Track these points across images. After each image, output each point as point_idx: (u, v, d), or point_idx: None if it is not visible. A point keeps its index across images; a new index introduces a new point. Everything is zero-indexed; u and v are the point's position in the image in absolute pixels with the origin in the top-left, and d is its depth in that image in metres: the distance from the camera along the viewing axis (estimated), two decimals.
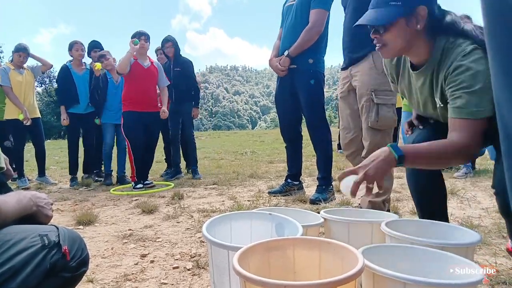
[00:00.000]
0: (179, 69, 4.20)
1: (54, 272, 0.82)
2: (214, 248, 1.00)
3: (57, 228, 0.89)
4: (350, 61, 2.20)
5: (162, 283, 1.38)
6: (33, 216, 0.95)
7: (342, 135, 2.33)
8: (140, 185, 3.56)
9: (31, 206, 0.93)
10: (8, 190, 1.02)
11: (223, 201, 2.89)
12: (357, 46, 2.14)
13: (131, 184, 3.70)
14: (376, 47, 1.26)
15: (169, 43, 4.20)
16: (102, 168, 4.40)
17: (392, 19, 1.15)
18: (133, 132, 3.61)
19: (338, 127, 6.87)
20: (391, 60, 1.42)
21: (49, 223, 0.98)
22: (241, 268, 0.75)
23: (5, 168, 1.03)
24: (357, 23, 1.25)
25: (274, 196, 2.97)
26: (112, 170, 4.20)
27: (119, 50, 4.64)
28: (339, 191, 3.11)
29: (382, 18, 1.17)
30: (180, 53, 4.30)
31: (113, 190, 3.53)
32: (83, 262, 0.91)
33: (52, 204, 1.03)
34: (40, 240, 0.82)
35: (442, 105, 1.22)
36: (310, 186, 3.38)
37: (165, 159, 4.93)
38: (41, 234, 0.83)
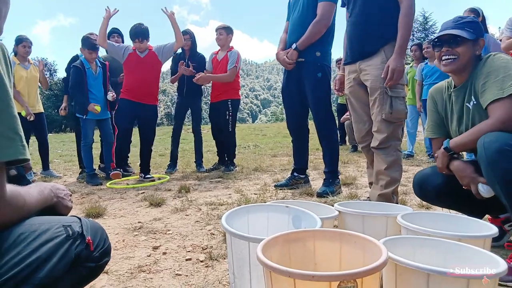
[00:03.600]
0: (195, 65, 4.14)
1: (79, 262, 0.82)
2: (234, 240, 1.00)
3: (80, 219, 0.89)
4: (360, 55, 2.18)
5: (176, 274, 1.39)
6: (53, 207, 0.95)
7: (357, 128, 2.33)
8: (149, 176, 3.59)
9: (51, 198, 0.94)
10: (28, 182, 1.02)
11: (229, 194, 2.90)
12: (369, 41, 2.13)
13: (138, 176, 3.72)
14: (446, 61, 1.51)
15: (187, 35, 4.09)
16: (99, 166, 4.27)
17: (471, 37, 1.47)
18: (121, 120, 3.66)
19: (339, 121, 6.76)
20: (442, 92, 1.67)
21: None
22: (267, 259, 0.75)
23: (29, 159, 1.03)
24: (446, 32, 1.49)
25: (280, 189, 2.98)
26: (95, 169, 3.92)
27: None
28: (345, 184, 3.12)
29: (467, 35, 1.46)
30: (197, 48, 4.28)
31: (109, 184, 3.52)
32: (106, 252, 0.91)
33: (71, 195, 1.04)
34: (64, 230, 0.82)
35: (475, 102, 1.47)
36: (316, 179, 3.38)
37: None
38: (64, 225, 0.84)
